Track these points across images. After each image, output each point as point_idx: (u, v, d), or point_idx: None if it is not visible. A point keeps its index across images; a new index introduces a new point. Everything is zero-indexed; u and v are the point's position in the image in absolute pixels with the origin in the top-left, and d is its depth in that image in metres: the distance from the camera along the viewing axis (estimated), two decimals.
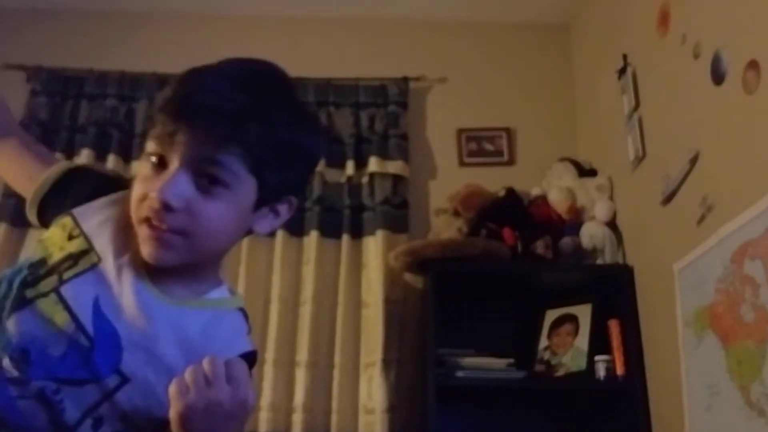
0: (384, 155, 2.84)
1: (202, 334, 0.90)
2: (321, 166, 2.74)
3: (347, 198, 2.78)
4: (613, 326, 2.37)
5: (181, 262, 0.87)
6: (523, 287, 2.61)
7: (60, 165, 0.99)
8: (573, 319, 2.50)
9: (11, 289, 0.88)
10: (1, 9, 3.05)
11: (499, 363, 2.40)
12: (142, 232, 0.84)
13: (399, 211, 2.77)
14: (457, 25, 3.18)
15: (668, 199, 2.11)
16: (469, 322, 2.56)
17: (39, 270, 0.88)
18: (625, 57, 2.46)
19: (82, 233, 0.90)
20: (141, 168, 0.87)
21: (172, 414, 0.77)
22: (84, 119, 2.88)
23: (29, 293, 0.86)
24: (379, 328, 2.55)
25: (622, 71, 2.47)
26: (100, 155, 2.80)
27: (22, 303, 0.86)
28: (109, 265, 0.88)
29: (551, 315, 2.57)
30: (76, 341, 0.85)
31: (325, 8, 3.14)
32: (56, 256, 0.89)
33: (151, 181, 0.84)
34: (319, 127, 1.08)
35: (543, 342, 2.53)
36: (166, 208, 0.82)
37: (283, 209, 0.93)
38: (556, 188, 2.65)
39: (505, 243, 2.50)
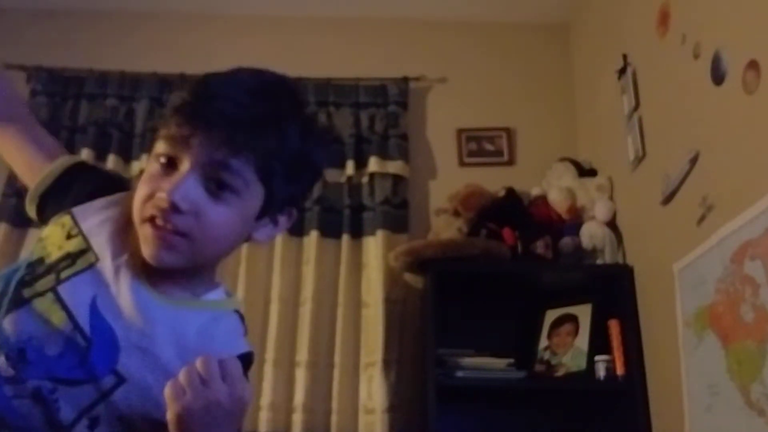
0: (384, 155, 2.84)
1: (200, 335, 0.90)
2: None
3: (347, 198, 2.78)
4: (613, 326, 2.37)
5: (182, 265, 0.87)
6: (523, 287, 2.61)
7: (62, 160, 0.99)
8: (573, 319, 2.50)
9: (8, 288, 0.88)
10: (1, 9, 3.06)
11: (499, 363, 2.39)
12: (145, 232, 0.84)
13: (399, 211, 2.77)
14: (457, 25, 3.18)
15: (668, 199, 2.11)
16: (469, 322, 2.56)
17: (37, 269, 0.88)
18: (625, 57, 2.46)
19: (81, 233, 0.90)
20: (148, 167, 0.87)
21: (170, 416, 0.77)
22: (84, 119, 2.88)
23: (26, 292, 0.86)
24: (379, 328, 2.55)
25: (622, 71, 2.47)
26: (100, 155, 2.80)
27: (19, 302, 0.86)
28: (107, 264, 0.88)
29: (551, 315, 2.57)
30: (73, 341, 0.84)
31: (325, 8, 3.14)
32: (54, 255, 0.89)
33: (159, 181, 0.84)
34: (327, 141, 1.10)
35: (543, 342, 2.53)
36: (174, 208, 0.82)
37: (283, 220, 0.95)
38: (556, 188, 2.65)
39: (505, 243, 2.50)
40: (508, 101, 3.07)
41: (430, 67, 3.06)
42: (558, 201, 2.62)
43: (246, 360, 0.94)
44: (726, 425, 1.73)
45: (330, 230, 2.73)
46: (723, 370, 1.74)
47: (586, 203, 2.59)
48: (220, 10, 3.16)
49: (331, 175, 2.80)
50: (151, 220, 0.83)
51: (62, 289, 0.86)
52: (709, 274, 1.83)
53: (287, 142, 0.87)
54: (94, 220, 0.92)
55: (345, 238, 2.72)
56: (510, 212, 2.61)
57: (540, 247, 2.51)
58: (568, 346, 2.45)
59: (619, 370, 2.30)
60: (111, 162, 2.78)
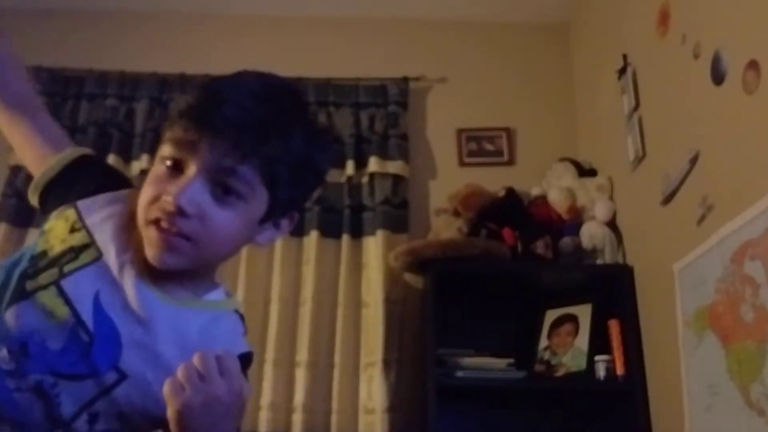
0: (384, 155, 2.84)
1: (201, 334, 0.91)
2: None
3: (347, 198, 2.78)
4: (613, 326, 2.37)
5: (185, 267, 0.88)
6: (523, 287, 2.61)
7: (68, 152, 0.98)
8: (573, 319, 2.50)
9: (10, 280, 0.88)
10: (1, 9, 3.06)
11: (499, 363, 2.39)
12: (150, 234, 0.85)
13: (399, 211, 2.77)
14: (457, 25, 3.18)
15: (668, 199, 2.11)
16: (469, 322, 2.56)
17: (39, 262, 0.88)
18: (625, 57, 2.46)
19: (85, 227, 0.91)
20: (153, 169, 0.87)
21: (170, 413, 0.77)
22: (84, 119, 2.88)
23: (29, 285, 0.86)
24: (379, 328, 2.55)
25: (622, 71, 2.47)
26: (100, 155, 2.80)
27: (22, 295, 0.86)
28: (111, 261, 0.89)
29: (551, 315, 2.57)
30: (75, 336, 0.85)
31: (325, 8, 3.14)
32: (57, 248, 0.89)
33: (165, 183, 0.84)
34: (330, 144, 1.10)
35: (543, 342, 2.53)
36: (180, 212, 0.82)
37: (285, 223, 0.95)
38: (556, 188, 2.65)
39: (505, 243, 2.50)
40: (508, 101, 3.07)
41: (430, 67, 3.06)
42: (558, 201, 2.62)
43: (246, 359, 0.94)
44: (726, 425, 1.73)
45: (330, 230, 2.73)
46: (723, 370, 1.74)
47: (586, 203, 2.59)
48: (220, 10, 3.16)
49: (331, 175, 2.80)
50: (156, 222, 0.84)
51: (65, 283, 0.86)
52: (709, 274, 1.83)
53: (292, 148, 0.88)
54: (99, 215, 0.92)
55: (345, 238, 2.72)
56: (510, 212, 2.61)
57: (540, 247, 2.51)
58: (568, 346, 2.45)
59: (619, 370, 2.30)
60: (111, 162, 2.78)
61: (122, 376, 0.86)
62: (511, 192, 2.69)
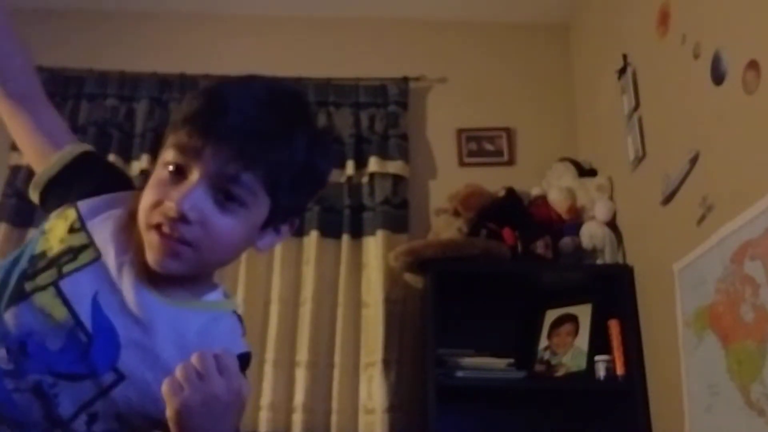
0: (384, 155, 2.84)
1: (200, 335, 0.91)
2: None
3: (347, 198, 2.78)
4: (613, 326, 2.37)
5: (185, 272, 0.88)
6: (523, 287, 2.61)
7: (70, 149, 0.98)
8: (573, 319, 2.50)
9: (9, 280, 0.88)
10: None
11: (499, 363, 2.39)
12: (151, 239, 0.85)
13: (399, 211, 2.77)
14: (457, 25, 3.18)
15: (668, 199, 2.11)
16: (469, 322, 2.56)
17: (38, 262, 0.88)
18: (625, 57, 2.46)
19: (84, 227, 0.91)
20: (155, 173, 0.88)
21: (169, 412, 0.77)
22: (84, 119, 2.88)
23: (28, 286, 0.86)
24: (379, 328, 2.55)
25: (622, 71, 2.47)
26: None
27: (21, 296, 0.86)
28: (110, 262, 0.89)
29: (551, 315, 2.57)
30: (74, 336, 0.85)
31: (325, 8, 3.14)
32: (56, 248, 0.89)
33: (167, 189, 0.84)
34: (332, 150, 1.11)
35: (543, 342, 2.53)
36: (182, 218, 0.83)
37: (285, 229, 0.96)
38: (556, 188, 2.65)
39: (505, 243, 2.50)
40: (508, 101, 3.07)
41: (430, 67, 3.06)
42: (558, 201, 2.62)
43: (245, 360, 0.94)
44: (726, 425, 1.73)
45: (330, 230, 2.73)
46: (723, 370, 1.74)
47: (586, 203, 2.59)
48: (220, 10, 3.16)
49: (331, 175, 2.80)
50: (158, 227, 0.84)
51: (64, 284, 0.86)
52: (709, 274, 1.83)
53: (295, 155, 0.88)
54: (99, 216, 0.92)
55: (345, 238, 2.72)
56: (510, 212, 2.61)
57: (540, 247, 2.51)
58: (568, 346, 2.45)
59: (619, 370, 2.30)
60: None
61: (120, 376, 0.86)
62: (511, 192, 2.69)
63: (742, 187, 1.71)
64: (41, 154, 0.98)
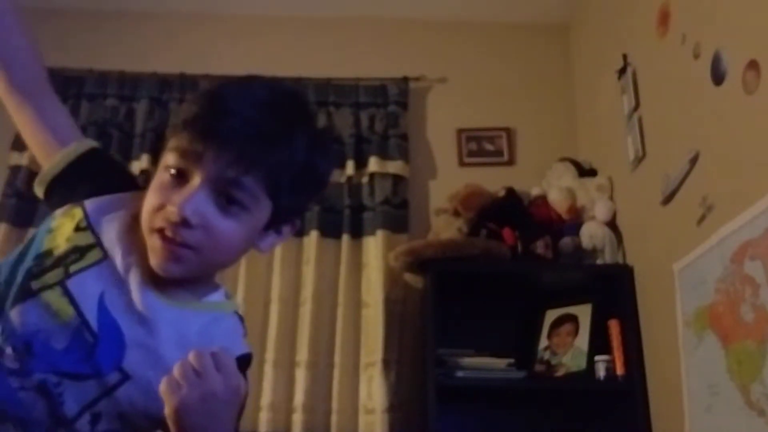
0: (384, 155, 2.84)
1: (202, 335, 0.91)
2: None
3: (347, 198, 2.78)
4: (613, 326, 2.37)
5: (188, 275, 0.89)
6: (523, 287, 2.61)
7: (74, 148, 0.98)
8: (573, 319, 2.50)
9: (15, 278, 0.88)
10: None
11: (499, 363, 2.39)
12: (154, 242, 0.85)
13: (399, 211, 2.77)
14: (457, 25, 3.18)
15: (668, 199, 2.11)
16: (469, 322, 2.56)
17: (45, 261, 0.89)
18: (625, 57, 2.46)
19: (90, 227, 0.91)
20: (157, 176, 0.88)
21: (168, 411, 0.77)
22: (84, 119, 2.88)
23: (34, 284, 0.87)
24: (379, 328, 2.55)
25: (622, 71, 2.47)
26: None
27: (27, 294, 0.86)
28: (117, 262, 0.89)
29: (551, 315, 2.57)
30: (80, 336, 0.85)
31: (325, 8, 3.14)
32: (62, 247, 0.89)
33: (169, 192, 0.85)
34: (333, 151, 1.11)
35: (543, 342, 2.53)
36: (184, 223, 0.83)
37: (287, 230, 0.96)
38: (556, 188, 2.65)
39: (505, 243, 2.50)
40: (508, 101, 3.07)
41: (430, 67, 3.06)
42: (558, 201, 2.62)
43: (245, 361, 0.95)
44: (726, 425, 1.73)
45: (330, 230, 2.73)
46: (723, 370, 1.74)
47: (586, 203, 2.59)
48: (220, 10, 3.16)
49: (332, 175, 2.80)
50: (160, 231, 0.85)
51: (71, 283, 0.87)
52: (709, 274, 1.83)
53: (296, 158, 0.88)
54: (105, 216, 0.92)
55: (345, 238, 2.72)
56: (510, 212, 2.61)
57: (540, 247, 2.51)
58: (568, 346, 2.45)
59: (619, 370, 2.30)
60: None
61: (125, 376, 0.86)
62: (511, 192, 2.69)
63: (742, 187, 1.71)
64: (46, 149, 0.98)
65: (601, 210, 2.52)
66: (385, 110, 2.94)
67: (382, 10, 3.14)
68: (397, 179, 2.81)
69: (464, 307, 2.58)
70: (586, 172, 2.71)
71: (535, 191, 2.76)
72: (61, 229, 0.91)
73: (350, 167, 2.81)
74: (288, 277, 2.67)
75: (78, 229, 0.91)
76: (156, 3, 3.13)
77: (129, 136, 2.87)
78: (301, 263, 2.70)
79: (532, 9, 3.12)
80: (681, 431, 1.95)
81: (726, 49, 1.81)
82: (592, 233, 2.50)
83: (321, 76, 2.97)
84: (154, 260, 0.86)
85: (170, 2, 3.14)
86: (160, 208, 0.85)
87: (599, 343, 2.38)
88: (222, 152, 0.83)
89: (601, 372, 2.30)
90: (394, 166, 2.82)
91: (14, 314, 0.85)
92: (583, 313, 2.49)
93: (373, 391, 2.49)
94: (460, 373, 2.33)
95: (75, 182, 0.95)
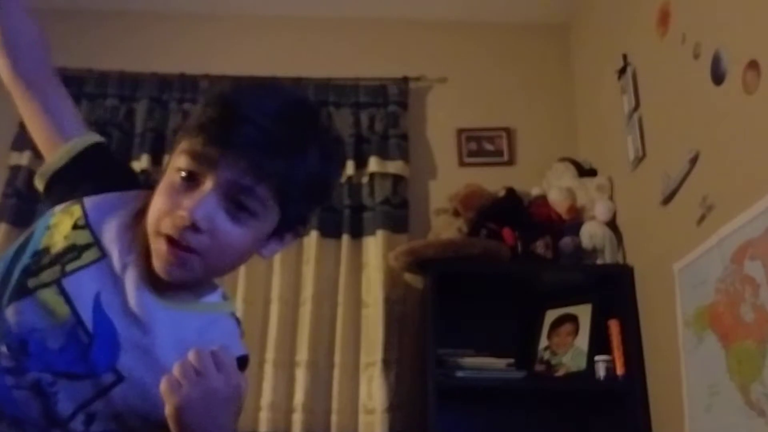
0: (384, 155, 2.84)
1: (199, 337, 0.91)
2: None
3: (347, 198, 2.78)
4: (613, 326, 2.37)
5: (191, 280, 0.89)
6: (523, 287, 2.61)
7: (77, 142, 0.97)
8: (573, 319, 2.50)
9: (11, 275, 0.87)
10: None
11: (499, 363, 2.39)
12: (159, 247, 0.85)
13: (399, 211, 2.77)
14: (457, 25, 3.18)
15: (668, 199, 2.11)
16: (469, 322, 2.56)
17: (42, 259, 0.88)
18: (625, 57, 2.46)
19: (89, 225, 0.90)
20: (167, 177, 0.87)
21: (168, 410, 0.77)
22: (84, 119, 2.88)
23: (31, 282, 0.86)
24: (379, 328, 2.55)
25: (622, 71, 2.47)
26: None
27: (23, 292, 0.86)
28: (114, 262, 0.88)
29: (551, 315, 2.57)
30: (75, 335, 0.85)
31: (325, 8, 3.14)
32: (60, 245, 0.89)
33: (179, 195, 0.84)
34: (342, 162, 1.10)
35: (543, 342, 2.53)
36: (193, 228, 0.82)
37: (290, 236, 0.96)
38: (556, 188, 2.65)
39: (505, 243, 2.50)
40: (508, 101, 3.07)
41: (430, 67, 3.06)
42: (558, 201, 2.62)
43: (242, 363, 0.95)
44: (726, 425, 1.73)
45: (330, 230, 2.73)
46: (723, 370, 1.74)
47: (586, 203, 2.59)
48: (220, 10, 3.16)
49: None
50: (168, 235, 0.84)
51: (67, 282, 0.86)
52: (709, 274, 1.83)
53: (309, 169, 0.88)
54: (104, 215, 0.91)
55: (345, 238, 2.72)
56: (510, 212, 2.61)
57: (540, 247, 2.51)
58: (568, 346, 2.45)
59: (619, 370, 2.30)
60: None
61: (119, 377, 0.86)
62: (511, 192, 2.69)
63: (742, 187, 1.71)
64: (50, 141, 0.97)
65: (601, 210, 2.52)
66: (385, 110, 2.94)
67: (382, 10, 3.14)
68: (397, 179, 2.81)
69: (464, 307, 2.57)
70: (586, 172, 2.71)
71: (535, 191, 2.76)
72: (59, 226, 0.91)
73: (350, 167, 2.81)
74: (288, 277, 2.67)
75: (76, 227, 0.90)
76: (156, 3, 3.13)
77: (129, 136, 2.87)
78: (301, 263, 2.70)
79: (532, 9, 3.12)
80: (681, 431, 1.95)
81: (726, 49, 1.81)
82: (592, 233, 2.50)
83: (321, 76, 2.97)
84: (159, 264, 0.85)
85: (171, 2, 3.14)
86: (169, 211, 0.84)
87: (599, 343, 2.38)
88: (238, 159, 0.83)
89: (601, 372, 2.30)
90: (394, 166, 2.82)
91: (10, 312, 0.85)
92: (583, 313, 2.49)
93: (373, 391, 2.49)
94: (460, 373, 2.33)
95: (76, 178, 0.95)
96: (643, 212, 2.31)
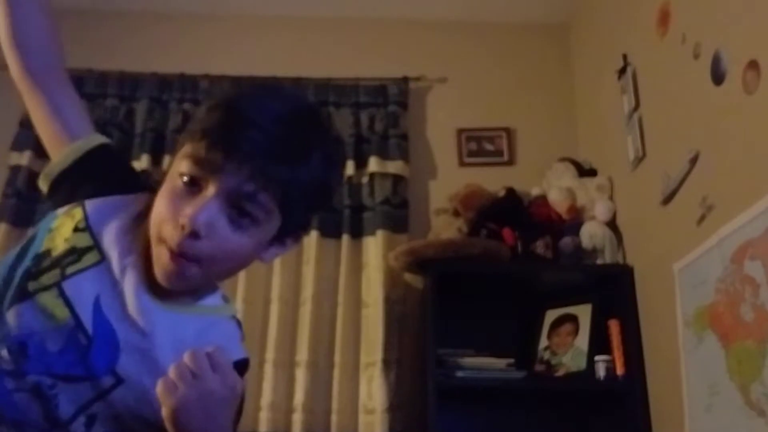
0: (384, 155, 2.84)
1: (198, 340, 0.90)
2: None
3: (347, 198, 2.77)
4: (613, 326, 2.37)
5: (192, 287, 0.89)
6: (523, 287, 2.61)
7: (83, 143, 0.97)
8: (573, 319, 2.50)
9: (13, 278, 0.87)
10: None
11: (499, 363, 2.39)
12: (161, 253, 0.84)
13: (399, 211, 2.77)
14: (457, 25, 3.18)
15: (668, 199, 2.11)
16: (469, 322, 2.56)
17: (43, 262, 0.88)
18: (625, 57, 2.46)
19: (89, 228, 0.90)
20: (168, 182, 0.86)
21: (165, 412, 0.77)
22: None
23: (31, 286, 0.86)
24: (379, 328, 2.55)
25: (622, 71, 2.47)
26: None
27: (24, 295, 0.86)
28: (113, 264, 0.88)
29: (551, 315, 2.57)
30: (74, 338, 0.85)
31: (325, 8, 3.14)
32: (60, 248, 0.89)
33: (181, 201, 0.83)
34: (344, 168, 1.09)
35: (543, 342, 2.53)
36: (194, 235, 0.82)
37: (290, 241, 0.95)
38: (556, 188, 2.65)
39: (505, 243, 2.50)
40: (508, 101, 3.07)
41: (430, 67, 3.06)
42: (558, 201, 2.62)
43: (242, 366, 0.94)
44: (726, 425, 1.73)
45: (330, 230, 2.73)
46: (723, 370, 1.74)
47: (586, 203, 2.59)
48: (220, 10, 3.16)
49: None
50: (169, 244, 0.83)
51: (67, 285, 0.86)
52: (709, 274, 1.83)
53: (312, 176, 0.87)
54: (105, 218, 0.91)
55: (345, 238, 2.72)
56: (510, 212, 2.61)
57: (540, 247, 2.51)
58: (568, 346, 2.45)
59: (619, 370, 2.30)
60: None
61: (119, 380, 0.85)
62: (511, 192, 2.69)
63: (742, 187, 1.71)
64: (55, 140, 0.97)
65: (601, 210, 2.52)
66: (385, 110, 2.94)
67: (382, 10, 3.14)
68: (397, 179, 2.81)
69: (464, 307, 2.57)
70: (586, 172, 2.71)
71: (535, 191, 2.76)
72: (60, 229, 0.91)
73: (350, 167, 2.81)
74: (288, 277, 2.67)
75: (77, 229, 0.90)
76: (156, 3, 3.13)
77: (129, 136, 2.87)
78: (301, 263, 2.70)
79: (532, 9, 3.12)
80: (681, 431, 1.95)
81: (726, 49, 1.81)
82: (592, 233, 2.50)
83: (321, 76, 2.97)
84: (160, 271, 0.85)
85: (171, 2, 3.14)
86: (171, 217, 0.83)
87: (599, 343, 2.38)
88: (242, 165, 0.82)
89: (601, 372, 2.30)
90: (394, 166, 2.82)
91: (11, 315, 0.85)
92: (583, 313, 2.49)
93: (373, 391, 2.49)
94: (460, 373, 2.33)
95: (81, 179, 0.95)
96: (643, 212, 2.31)
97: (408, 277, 2.70)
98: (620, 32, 2.56)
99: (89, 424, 0.85)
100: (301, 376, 2.53)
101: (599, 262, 2.49)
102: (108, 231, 0.90)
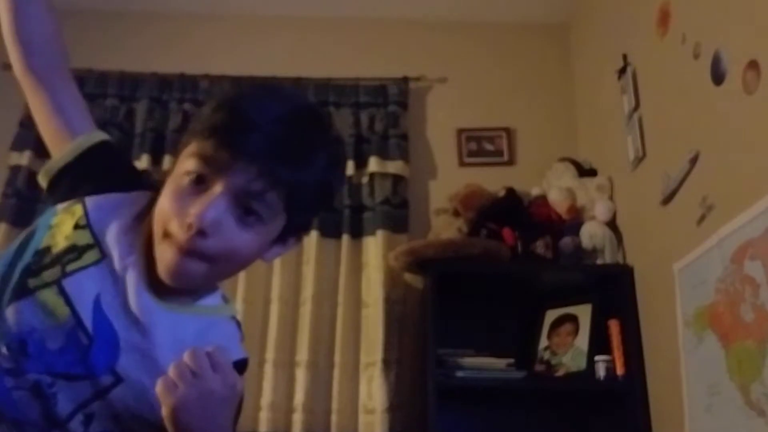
0: (384, 155, 2.84)
1: (198, 340, 0.90)
2: None
3: (347, 198, 2.78)
4: (613, 326, 2.37)
5: (196, 286, 0.89)
6: (523, 287, 2.61)
7: (84, 140, 0.97)
8: (573, 319, 2.50)
9: (12, 274, 0.87)
10: None
11: (499, 363, 2.39)
12: (164, 251, 0.84)
13: (399, 211, 2.77)
14: (457, 25, 3.18)
15: (668, 199, 2.11)
16: (469, 322, 2.56)
17: (43, 258, 0.88)
18: (625, 57, 2.46)
19: (90, 226, 0.90)
20: (173, 180, 0.86)
21: (165, 411, 0.77)
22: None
23: (31, 283, 0.86)
24: (379, 328, 2.56)
25: (622, 71, 2.47)
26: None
27: (24, 292, 0.85)
28: (114, 263, 0.88)
29: (551, 315, 2.57)
30: (74, 336, 0.84)
31: (325, 8, 3.14)
32: (60, 245, 0.89)
33: (187, 199, 0.83)
34: (346, 167, 1.10)
35: (543, 342, 2.53)
36: (200, 233, 0.82)
37: (292, 241, 0.95)
38: (556, 188, 2.65)
39: (505, 243, 2.50)
40: (508, 101, 3.07)
41: (430, 67, 3.06)
42: (558, 201, 2.62)
43: (241, 366, 0.94)
44: (726, 425, 1.73)
45: (330, 230, 2.73)
46: (723, 370, 1.74)
47: (586, 203, 2.59)
48: (220, 10, 3.16)
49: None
50: (174, 240, 0.83)
51: (67, 283, 0.86)
52: (709, 274, 1.83)
53: (317, 175, 0.88)
54: (106, 215, 0.91)
55: (345, 238, 2.72)
56: (510, 212, 2.61)
57: (540, 247, 2.51)
58: (568, 346, 2.45)
59: (619, 370, 2.30)
60: None
61: (118, 379, 0.85)
62: (511, 192, 2.69)
63: (742, 187, 1.71)
64: (56, 137, 0.97)
65: (601, 210, 2.52)
66: (385, 110, 2.94)
67: (382, 10, 3.14)
68: (397, 179, 2.81)
69: (464, 307, 2.57)
70: (586, 172, 2.71)
71: (535, 191, 2.76)
72: (61, 226, 0.91)
73: (350, 167, 2.81)
74: (288, 277, 2.67)
75: (77, 227, 0.90)
76: (156, 3, 3.13)
77: (129, 136, 2.87)
78: (301, 263, 2.71)
79: (532, 9, 3.12)
80: (681, 431, 1.95)
81: (726, 49, 1.81)
82: (592, 233, 2.50)
83: (321, 76, 2.97)
84: (164, 269, 0.85)
85: (171, 2, 3.14)
86: (177, 215, 0.83)
87: (599, 343, 2.38)
88: (250, 164, 0.82)
89: (601, 372, 2.30)
90: (394, 166, 2.82)
91: (10, 312, 0.84)
92: (583, 313, 2.49)
93: (373, 391, 2.49)
94: (460, 373, 2.33)
95: (81, 176, 0.94)
96: (643, 212, 2.31)
97: (408, 277, 2.70)
98: (620, 32, 2.56)
99: (87, 422, 0.85)
100: (301, 376, 2.53)
101: (599, 262, 2.49)
102: (109, 229, 0.90)
